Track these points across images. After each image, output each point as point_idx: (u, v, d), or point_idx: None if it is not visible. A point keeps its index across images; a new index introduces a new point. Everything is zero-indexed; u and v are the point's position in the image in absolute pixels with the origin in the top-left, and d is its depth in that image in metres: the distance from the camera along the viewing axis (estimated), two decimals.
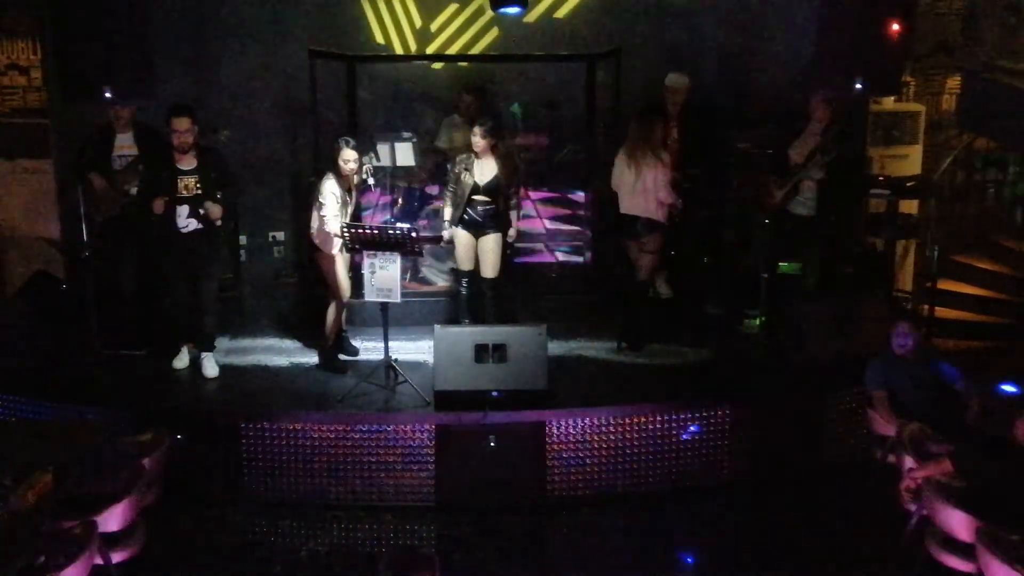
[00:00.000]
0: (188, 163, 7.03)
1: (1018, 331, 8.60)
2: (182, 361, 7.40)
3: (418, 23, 9.18)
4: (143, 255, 7.69)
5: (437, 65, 9.22)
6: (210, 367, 7.32)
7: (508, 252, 7.75)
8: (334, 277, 7.31)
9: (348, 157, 7.08)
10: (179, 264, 7.16)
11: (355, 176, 7.19)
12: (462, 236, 7.52)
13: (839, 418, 7.10)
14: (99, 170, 7.57)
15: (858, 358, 6.61)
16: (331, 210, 7.07)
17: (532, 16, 9.05)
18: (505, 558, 6.22)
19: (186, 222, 7.03)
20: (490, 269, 7.56)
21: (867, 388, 6.41)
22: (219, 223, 7.13)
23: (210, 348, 7.38)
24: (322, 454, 6.73)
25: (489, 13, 8.70)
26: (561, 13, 9.14)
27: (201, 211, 6.99)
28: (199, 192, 7.01)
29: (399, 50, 9.15)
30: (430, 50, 9.15)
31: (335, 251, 7.22)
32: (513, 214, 7.56)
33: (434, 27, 9.21)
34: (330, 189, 7.10)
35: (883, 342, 6.48)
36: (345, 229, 6.94)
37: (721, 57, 9.10)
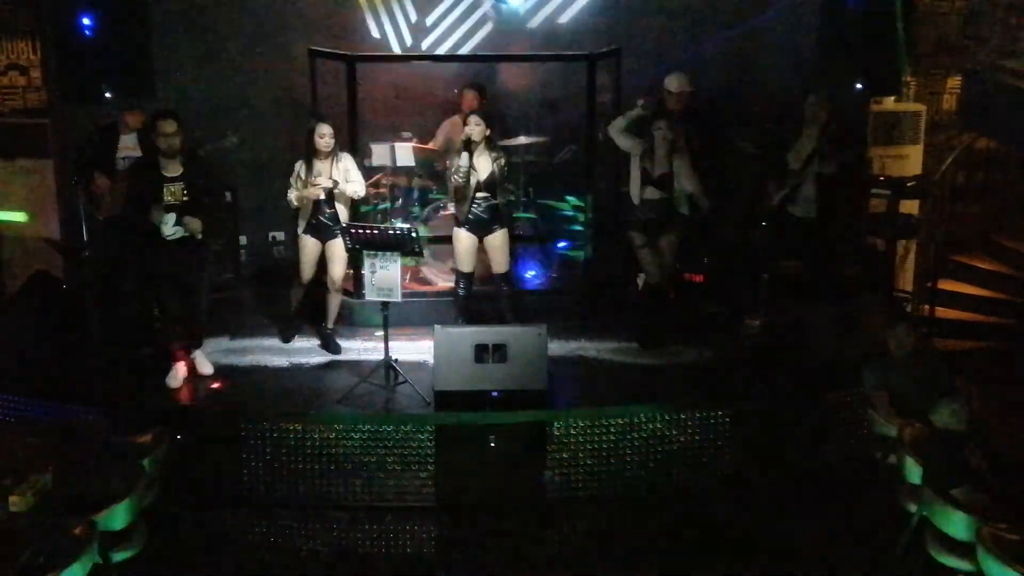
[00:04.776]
0: (174, 170, 6.79)
1: (1018, 331, 8.59)
2: (175, 380, 7.09)
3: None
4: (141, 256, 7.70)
5: None
6: (204, 364, 7.26)
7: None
8: (297, 258, 7.51)
9: (324, 132, 7.20)
10: (165, 272, 6.93)
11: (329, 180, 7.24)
12: (464, 237, 7.52)
13: (839, 418, 7.10)
14: (102, 170, 7.56)
15: (858, 358, 6.60)
16: (293, 183, 7.29)
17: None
18: (505, 558, 6.22)
19: (172, 230, 6.79)
20: (503, 264, 7.58)
21: (866, 389, 6.41)
22: (200, 236, 6.87)
23: (198, 345, 7.24)
24: (322, 454, 6.73)
25: None
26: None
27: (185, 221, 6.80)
28: (186, 199, 6.78)
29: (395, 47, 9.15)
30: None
31: (299, 231, 7.42)
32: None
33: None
34: (298, 168, 7.29)
35: (883, 342, 6.48)
36: (344, 228, 6.96)
37: (721, 57, 9.10)
